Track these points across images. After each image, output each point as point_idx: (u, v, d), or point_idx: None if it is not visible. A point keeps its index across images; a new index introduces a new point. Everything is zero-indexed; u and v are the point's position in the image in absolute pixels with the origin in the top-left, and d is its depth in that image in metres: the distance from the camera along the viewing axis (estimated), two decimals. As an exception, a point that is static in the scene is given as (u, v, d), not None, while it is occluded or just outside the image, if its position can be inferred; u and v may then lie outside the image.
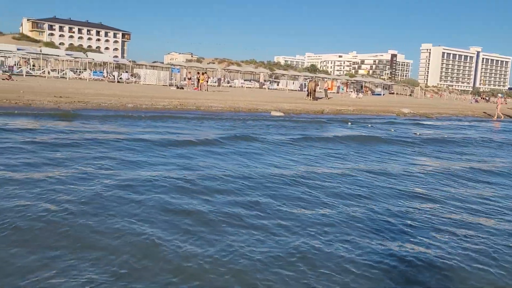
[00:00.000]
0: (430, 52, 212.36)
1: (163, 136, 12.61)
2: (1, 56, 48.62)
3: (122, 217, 5.65)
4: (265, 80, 60.63)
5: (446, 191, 8.26)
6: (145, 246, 4.81)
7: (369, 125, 20.26)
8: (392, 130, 19.07)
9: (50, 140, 10.76)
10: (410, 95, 75.91)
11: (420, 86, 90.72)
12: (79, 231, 5.12)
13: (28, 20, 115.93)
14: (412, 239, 5.55)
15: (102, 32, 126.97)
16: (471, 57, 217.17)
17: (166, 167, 8.84)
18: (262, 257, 4.73)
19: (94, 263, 4.35)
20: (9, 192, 6.39)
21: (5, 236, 4.84)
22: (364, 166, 10.34)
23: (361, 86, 68.07)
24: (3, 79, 30.16)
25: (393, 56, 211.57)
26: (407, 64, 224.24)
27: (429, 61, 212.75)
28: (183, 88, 38.49)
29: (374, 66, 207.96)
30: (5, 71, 39.80)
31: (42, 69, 45.75)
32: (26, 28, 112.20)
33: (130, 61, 63.03)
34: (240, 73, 63.31)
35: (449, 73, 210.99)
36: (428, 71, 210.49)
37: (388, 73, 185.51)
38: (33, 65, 48.99)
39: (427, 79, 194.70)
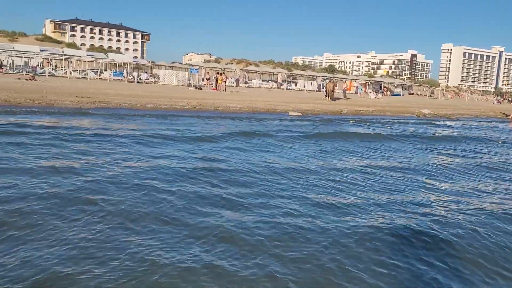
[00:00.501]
0: (451, 52, 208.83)
1: (185, 134, 12.80)
2: (24, 57, 49.72)
3: (151, 197, 6.39)
4: (283, 81, 60.57)
5: (462, 184, 8.26)
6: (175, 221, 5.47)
7: (388, 127, 20.08)
8: (412, 130, 18.90)
9: (77, 136, 11.23)
10: (430, 95, 74.83)
11: (441, 87, 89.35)
12: (115, 210, 5.73)
13: (50, 21, 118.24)
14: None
15: (122, 33, 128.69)
16: (493, 57, 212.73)
17: (190, 159, 9.29)
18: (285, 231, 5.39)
19: (136, 235, 5.01)
20: (50, 179, 6.93)
21: (55, 213, 5.48)
22: (381, 163, 10.53)
23: (380, 87, 67.41)
24: (26, 80, 30.83)
25: (413, 56, 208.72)
26: (427, 64, 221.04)
27: (450, 61, 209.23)
28: (201, 89, 38.74)
29: (393, 66, 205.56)
30: (28, 72, 40.70)
31: (64, 69, 46.65)
32: (48, 29, 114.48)
33: (149, 62, 63.74)
34: (258, 73, 63.37)
35: (471, 74, 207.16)
36: (448, 72, 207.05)
37: (407, 74, 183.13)
38: (56, 66, 49.99)
39: (447, 80, 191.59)
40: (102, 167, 7.95)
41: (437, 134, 17.81)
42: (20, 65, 47.21)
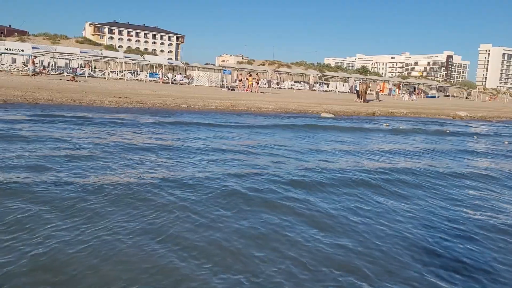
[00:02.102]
0: (489, 53, 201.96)
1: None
2: (65, 59, 51.68)
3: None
4: (315, 82, 60.43)
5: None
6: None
7: (422, 128, 19.88)
8: (448, 131, 18.72)
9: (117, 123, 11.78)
10: (466, 97, 72.76)
11: (478, 89, 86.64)
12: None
13: (90, 24, 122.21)
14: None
15: (158, 35, 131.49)
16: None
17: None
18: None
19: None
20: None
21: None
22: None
23: (414, 88, 66.16)
24: (67, 80, 32.10)
25: (449, 57, 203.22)
26: (464, 66, 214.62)
27: (488, 62, 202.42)
28: (234, 90, 39.22)
29: (428, 67, 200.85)
30: (69, 73, 42.34)
31: (103, 71, 48.25)
32: (88, 32, 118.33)
33: (183, 63, 64.91)
34: (290, 74, 63.50)
35: (510, 75, 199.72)
36: (486, 73, 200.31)
37: (443, 75, 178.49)
38: (95, 67, 51.73)
39: (485, 82, 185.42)
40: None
41: (475, 137, 17.65)
42: (61, 67, 49.11)
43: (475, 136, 18.08)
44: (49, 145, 9.41)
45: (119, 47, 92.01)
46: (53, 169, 7.34)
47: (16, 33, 75.87)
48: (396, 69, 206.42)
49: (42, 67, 44.45)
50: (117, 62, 53.24)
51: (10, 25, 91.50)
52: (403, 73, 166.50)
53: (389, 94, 57.44)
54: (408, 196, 7.27)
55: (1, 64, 42.44)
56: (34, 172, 7.02)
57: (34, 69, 34.58)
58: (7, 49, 38.53)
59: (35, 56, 40.28)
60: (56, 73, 43.99)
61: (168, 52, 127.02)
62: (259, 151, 10.68)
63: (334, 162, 9.88)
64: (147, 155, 9.10)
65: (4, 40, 49.88)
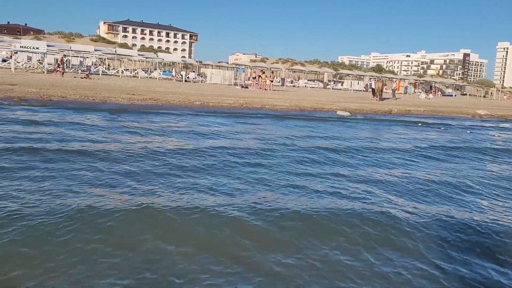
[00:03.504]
0: (507, 51, 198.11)
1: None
2: (80, 57, 51.95)
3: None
4: (329, 80, 59.80)
5: None
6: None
7: (442, 128, 19.33)
8: (468, 132, 18.10)
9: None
10: (484, 96, 71.31)
11: (496, 87, 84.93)
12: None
13: (104, 23, 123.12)
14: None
15: (171, 34, 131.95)
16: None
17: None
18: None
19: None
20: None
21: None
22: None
23: (431, 87, 65.08)
24: (81, 78, 32.20)
25: (466, 55, 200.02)
26: (481, 64, 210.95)
27: (506, 60, 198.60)
28: (247, 88, 38.96)
29: (444, 66, 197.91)
30: (83, 71, 42.48)
31: (117, 69, 48.35)
32: (102, 30, 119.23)
33: (197, 61, 64.87)
34: (303, 73, 62.96)
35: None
36: (504, 71, 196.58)
37: (460, 74, 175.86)
38: (109, 65, 51.90)
39: (503, 80, 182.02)
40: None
41: (496, 135, 17.06)
42: (76, 65, 49.37)
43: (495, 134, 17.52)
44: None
45: (133, 45, 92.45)
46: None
47: (31, 32, 76.69)
48: (411, 68, 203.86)
49: (57, 65, 44.69)
50: (131, 60, 53.37)
51: (26, 24, 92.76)
52: (419, 72, 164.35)
53: (405, 93, 56.51)
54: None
55: (17, 62, 42.71)
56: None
57: (63, 67, 34.81)
58: (22, 47, 38.66)
59: (64, 55, 40.40)
60: (71, 71, 44.17)
61: (181, 50, 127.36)
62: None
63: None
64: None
65: (20, 38, 50.31)
